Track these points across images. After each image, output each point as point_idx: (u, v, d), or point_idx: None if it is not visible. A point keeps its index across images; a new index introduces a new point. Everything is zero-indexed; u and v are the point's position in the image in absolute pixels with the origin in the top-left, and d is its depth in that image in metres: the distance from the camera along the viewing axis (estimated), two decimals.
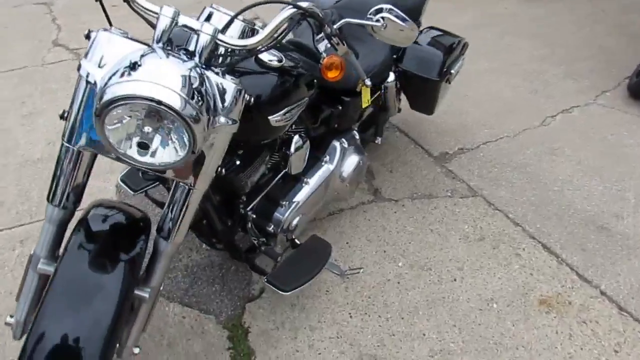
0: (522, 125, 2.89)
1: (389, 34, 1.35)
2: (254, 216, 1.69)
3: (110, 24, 1.21)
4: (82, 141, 1.18)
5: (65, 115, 1.18)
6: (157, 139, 1.08)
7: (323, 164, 1.89)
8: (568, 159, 2.64)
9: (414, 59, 2.10)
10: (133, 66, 1.05)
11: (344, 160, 1.93)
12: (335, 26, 1.30)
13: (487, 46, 3.71)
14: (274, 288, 1.61)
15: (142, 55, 1.08)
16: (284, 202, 1.74)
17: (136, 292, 1.30)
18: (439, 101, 2.28)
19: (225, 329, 1.79)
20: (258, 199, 1.69)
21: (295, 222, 1.75)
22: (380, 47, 1.98)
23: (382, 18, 1.32)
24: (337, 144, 1.92)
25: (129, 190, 1.85)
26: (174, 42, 1.16)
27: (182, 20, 1.16)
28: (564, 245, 2.13)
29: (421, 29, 2.23)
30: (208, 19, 1.28)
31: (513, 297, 1.91)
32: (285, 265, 1.74)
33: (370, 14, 1.33)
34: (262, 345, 1.73)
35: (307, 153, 1.67)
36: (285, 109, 1.36)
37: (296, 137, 1.59)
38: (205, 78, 1.13)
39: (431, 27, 2.31)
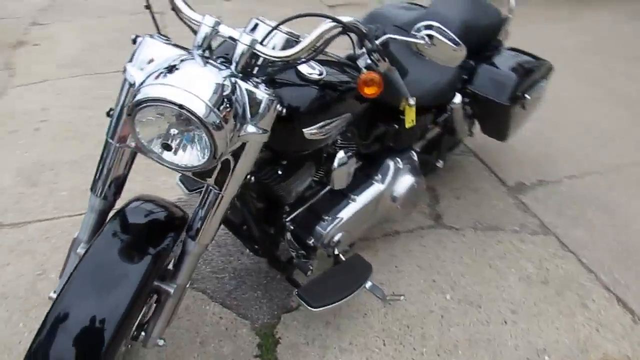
0: (617, 161, 2.61)
1: (435, 52, 1.28)
2: (295, 227, 1.68)
3: (158, 31, 1.28)
4: (124, 139, 1.25)
5: (110, 113, 1.26)
6: (181, 142, 1.11)
7: (373, 182, 1.84)
8: None
9: (484, 81, 1.98)
10: (170, 69, 1.09)
11: (396, 180, 1.86)
12: (377, 42, 1.26)
13: (591, 71, 3.42)
14: (303, 302, 1.59)
15: (180, 60, 1.12)
16: (327, 217, 1.71)
17: (162, 285, 1.35)
18: (513, 127, 2.13)
19: (257, 336, 1.79)
20: (300, 210, 1.68)
21: (337, 238, 1.72)
22: (446, 68, 1.89)
23: (429, 36, 1.26)
24: (390, 163, 1.86)
25: (184, 189, 1.93)
26: (215, 51, 1.20)
27: (222, 29, 1.19)
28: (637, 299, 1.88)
29: (500, 49, 2.10)
30: (253, 29, 1.30)
31: (569, 352, 1.71)
32: (320, 281, 1.71)
33: (415, 31, 1.28)
34: (288, 357, 1.71)
35: (353, 169, 1.63)
36: (322, 123, 1.34)
37: (341, 153, 1.57)
38: (238, 87, 1.14)
39: (512, 48, 2.18)
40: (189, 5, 1.25)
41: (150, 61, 1.18)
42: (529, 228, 2.23)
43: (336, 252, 1.77)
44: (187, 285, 1.41)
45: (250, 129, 1.16)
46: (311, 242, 1.71)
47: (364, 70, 1.28)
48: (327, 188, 1.72)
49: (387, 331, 1.80)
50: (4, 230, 2.24)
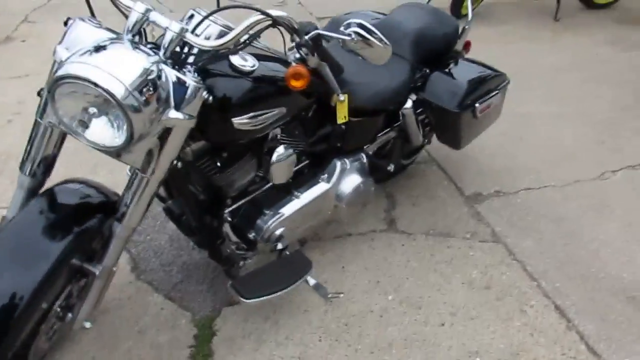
0: (575, 176, 2.64)
1: (362, 49, 1.33)
2: (236, 220, 1.71)
3: (92, 15, 1.32)
4: (51, 117, 1.28)
5: (41, 93, 1.29)
6: (99, 121, 1.14)
7: (319, 181, 1.87)
8: (617, 218, 2.36)
9: (435, 88, 2.02)
10: (96, 50, 1.13)
11: (342, 180, 1.89)
12: (307, 37, 1.30)
13: (563, 90, 3.47)
14: (235, 293, 1.61)
15: (108, 43, 1.16)
16: (268, 211, 1.74)
17: (88, 267, 1.37)
18: (466, 136, 2.17)
19: (196, 327, 1.81)
20: (242, 203, 1.71)
21: (277, 232, 1.75)
22: (398, 73, 1.95)
23: (354, 32, 1.30)
24: (338, 163, 1.90)
25: None
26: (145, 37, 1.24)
27: (153, 16, 1.23)
28: (581, 310, 1.90)
29: (457, 59, 2.15)
30: (190, 19, 1.35)
31: (501, 355, 1.73)
32: (256, 273, 1.74)
33: (344, 28, 1.32)
34: (223, 350, 1.73)
35: (293, 165, 1.66)
36: (252, 114, 1.38)
37: (280, 148, 1.60)
38: (164, 72, 1.18)
39: (470, 60, 2.23)
40: None
41: (79, 43, 1.22)
42: (480, 236, 2.25)
43: (279, 247, 1.79)
44: (114, 268, 1.43)
45: (173, 114, 1.20)
46: (252, 235, 1.74)
47: (293, 64, 1.32)
48: (271, 184, 1.75)
49: (325, 328, 1.81)
50: None
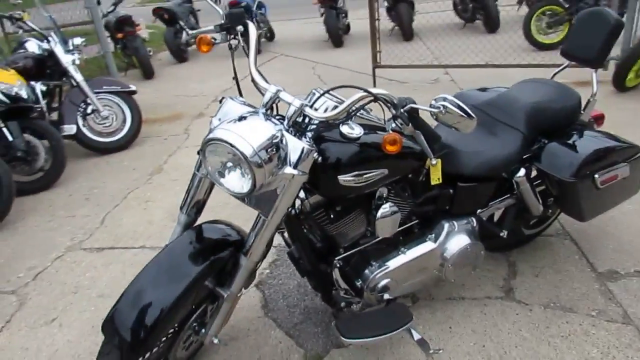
0: None
1: (450, 120, 1.51)
2: (345, 267, 1.93)
3: (241, 94, 1.73)
4: (204, 171, 1.69)
5: (198, 152, 1.72)
6: (234, 173, 1.50)
7: (426, 240, 2.01)
8: None
9: (548, 157, 2.05)
10: (237, 120, 1.52)
11: (449, 240, 2.00)
12: (402, 109, 1.54)
13: None
14: (336, 330, 1.81)
15: (248, 115, 1.55)
16: (375, 263, 1.93)
17: (219, 290, 1.72)
18: (588, 207, 2.12)
19: None
20: (352, 253, 1.93)
21: (382, 283, 1.92)
22: (508, 143, 2.04)
23: (442, 106, 1.50)
24: (445, 224, 2.02)
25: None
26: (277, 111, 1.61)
27: (282, 95, 1.59)
28: None
29: (581, 130, 2.17)
30: (312, 96, 1.69)
31: None
32: (359, 316, 1.91)
33: (432, 102, 1.52)
34: None
35: (397, 222, 1.84)
36: (355, 173, 1.62)
37: (386, 205, 1.80)
38: (284, 138, 1.52)
39: (598, 131, 2.21)
40: (263, 77, 1.69)
41: (228, 115, 1.63)
42: (608, 315, 2.12)
43: (385, 297, 1.95)
44: (239, 294, 1.75)
45: (288, 170, 1.51)
46: (359, 283, 1.94)
47: (390, 132, 1.56)
48: (380, 239, 1.94)
49: None
50: (145, 251, 2.87)
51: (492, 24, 7.70)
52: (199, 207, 1.80)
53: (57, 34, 4.48)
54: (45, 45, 4.40)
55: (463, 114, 1.49)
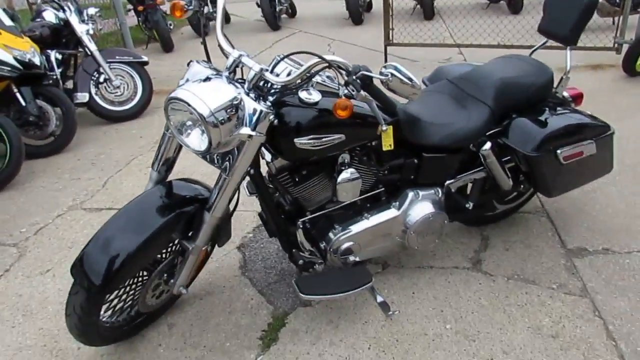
0: None
1: (396, 87, 1.58)
2: (310, 229, 2.03)
3: (208, 59, 1.83)
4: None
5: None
6: (194, 132, 1.61)
7: (390, 207, 2.09)
8: None
9: (513, 132, 2.10)
10: (200, 81, 1.62)
11: (412, 208, 2.08)
12: (354, 76, 1.62)
13: None
14: (295, 286, 1.92)
15: (211, 77, 1.64)
16: (339, 226, 2.03)
17: (185, 243, 1.84)
18: (553, 182, 2.16)
19: (272, 318, 2.15)
20: (317, 216, 2.02)
21: (344, 246, 2.02)
22: (475, 117, 2.09)
23: (390, 74, 1.57)
24: (410, 193, 2.10)
25: (247, 192, 2.39)
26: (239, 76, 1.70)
27: (244, 60, 1.69)
28: None
29: (553, 106, 2.20)
30: (276, 64, 1.78)
31: None
32: (319, 275, 2.02)
33: (382, 69, 1.60)
34: (286, 338, 2.03)
35: (358, 187, 1.93)
36: (311, 136, 1.71)
37: (347, 171, 1.89)
38: (243, 100, 1.61)
39: (574, 110, 2.24)
40: (229, 42, 1.77)
41: (193, 77, 1.73)
42: (567, 289, 2.18)
43: (349, 260, 2.05)
44: (204, 248, 1.87)
45: (245, 130, 1.61)
46: (322, 245, 2.04)
47: (342, 97, 1.64)
48: (345, 204, 2.03)
49: (378, 339, 1.99)
50: None
51: (515, 5, 7.60)
52: (169, 164, 1.92)
53: (72, 4, 4.63)
54: (61, 14, 4.56)
55: (408, 82, 1.56)
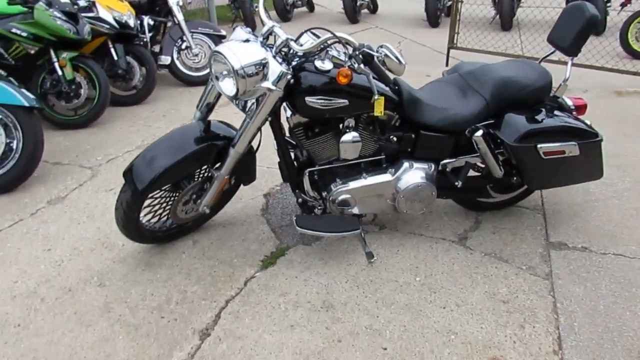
0: None
1: (388, 63, 1.97)
2: (315, 179, 2.44)
3: (247, 24, 2.29)
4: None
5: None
6: (227, 79, 2.07)
7: (386, 172, 2.46)
8: None
9: (504, 123, 2.38)
10: (240, 42, 2.08)
11: (404, 176, 2.44)
12: (357, 52, 2.01)
13: None
14: (294, 221, 2.35)
15: (247, 39, 2.11)
16: (339, 180, 2.43)
17: (212, 171, 2.33)
18: (534, 175, 2.43)
19: (275, 248, 2.60)
20: (323, 169, 2.43)
21: (341, 197, 2.41)
22: (471, 106, 2.41)
23: (382, 52, 1.96)
24: (405, 162, 2.46)
25: None
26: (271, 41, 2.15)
27: (276, 29, 2.13)
28: (579, 350, 1.99)
29: (548, 107, 2.47)
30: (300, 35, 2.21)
31: (474, 342, 2.01)
32: (316, 217, 2.44)
33: (377, 48, 1.98)
34: (282, 264, 2.48)
35: (357, 149, 2.31)
36: (319, 97, 2.12)
37: (350, 133, 2.29)
38: (269, 60, 2.06)
39: (567, 114, 2.49)
40: (268, 15, 2.22)
41: (236, 39, 2.19)
42: (534, 271, 2.44)
43: (347, 211, 2.45)
44: (227, 177, 2.34)
45: (266, 83, 2.05)
46: (324, 194, 2.45)
47: (345, 67, 2.04)
48: (350, 163, 2.43)
49: (355, 277, 2.38)
50: None
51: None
52: (210, 107, 2.41)
53: None
54: None
55: (395, 59, 1.94)
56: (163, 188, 2.35)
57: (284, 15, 9.17)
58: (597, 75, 5.36)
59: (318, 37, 2.16)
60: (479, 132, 2.42)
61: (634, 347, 2.00)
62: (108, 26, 4.37)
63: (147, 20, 5.09)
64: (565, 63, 2.51)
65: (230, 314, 2.16)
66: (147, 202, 2.33)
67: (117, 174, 3.38)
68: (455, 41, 6.23)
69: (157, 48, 5.30)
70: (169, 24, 5.43)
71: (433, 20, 8.62)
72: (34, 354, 1.97)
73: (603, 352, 1.97)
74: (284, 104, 2.25)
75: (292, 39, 2.10)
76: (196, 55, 5.32)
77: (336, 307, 2.20)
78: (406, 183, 2.44)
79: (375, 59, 2.00)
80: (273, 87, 2.05)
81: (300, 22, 9.16)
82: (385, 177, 2.45)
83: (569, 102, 2.61)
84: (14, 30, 3.70)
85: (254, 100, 2.19)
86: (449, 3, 9.02)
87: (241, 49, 2.03)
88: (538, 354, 1.96)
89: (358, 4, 9.11)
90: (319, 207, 2.50)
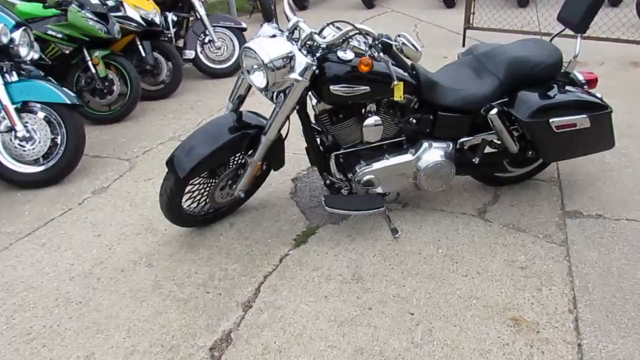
0: None
1: (405, 51, 2.12)
2: (341, 161, 2.62)
3: (275, 21, 2.46)
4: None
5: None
6: (257, 72, 2.26)
7: (407, 152, 2.63)
8: None
9: (517, 101, 2.52)
10: (267, 37, 2.26)
11: (424, 155, 2.60)
12: (377, 42, 2.17)
13: None
14: (323, 201, 2.54)
15: (276, 34, 2.28)
16: (364, 162, 2.60)
17: (246, 157, 2.52)
18: (548, 148, 2.57)
19: (306, 228, 2.80)
20: (348, 152, 2.61)
21: (366, 178, 2.59)
22: (485, 86, 2.55)
23: (400, 41, 2.11)
24: (425, 143, 2.62)
25: None
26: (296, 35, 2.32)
27: (300, 24, 2.30)
28: (592, 308, 2.14)
29: (560, 84, 2.59)
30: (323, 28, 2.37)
31: (495, 305, 2.19)
32: (344, 197, 2.62)
33: (395, 37, 2.14)
34: (313, 241, 2.67)
35: (379, 132, 2.48)
36: (343, 85, 2.29)
37: (372, 117, 2.45)
38: (295, 53, 2.23)
39: (580, 89, 2.61)
40: (292, 10, 2.39)
41: (263, 34, 2.37)
42: (551, 239, 2.59)
43: (371, 191, 2.62)
44: (259, 163, 2.54)
45: (293, 75, 2.22)
46: (350, 175, 2.63)
47: (366, 56, 2.20)
48: (372, 145, 2.59)
49: (382, 251, 2.57)
50: None
51: None
52: (241, 99, 2.60)
53: None
54: None
55: (411, 47, 2.09)
56: (201, 175, 2.55)
57: (301, 3, 9.27)
58: (614, 47, 5.38)
59: (340, 29, 2.32)
60: (494, 111, 2.56)
61: None
62: (135, 24, 4.58)
63: (171, 17, 5.29)
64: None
65: (269, 288, 2.37)
66: (187, 188, 2.54)
67: (153, 165, 3.62)
68: (471, 21, 6.28)
69: (181, 43, 5.51)
70: (192, 19, 5.62)
71: (449, 1, 8.64)
72: (96, 326, 2.20)
73: (615, 309, 2.12)
74: (310, 93, 2.42)
75: (315, 32, 2.27)
76: (219, 48, 5.51)
77: (365, 279, 2.39)
78: (426, 162, 2.60)
79: (394, 47, 2.16)
80: (300, 78, 2.23)
81: (317, 9, 9.25)
82: (407, 157, 2.61)
83: (580, 77, 2.72)
84: (49, 32, 3.95)
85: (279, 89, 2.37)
86: None
87: (269, 44, 2.21)
88: (554, 313, 2.13)
89: None
90: (345, 188, 2.68)
